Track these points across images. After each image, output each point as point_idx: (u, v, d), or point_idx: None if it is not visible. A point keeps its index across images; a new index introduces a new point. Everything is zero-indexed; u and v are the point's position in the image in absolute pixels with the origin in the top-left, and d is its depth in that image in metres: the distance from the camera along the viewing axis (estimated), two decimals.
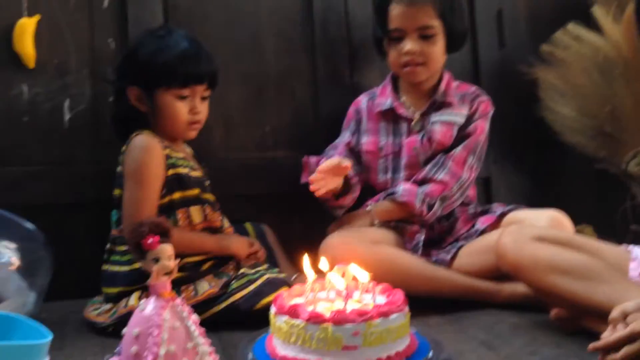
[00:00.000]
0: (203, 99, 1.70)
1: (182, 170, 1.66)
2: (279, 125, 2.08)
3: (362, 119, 1.94)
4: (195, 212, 1.67)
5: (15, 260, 1.54)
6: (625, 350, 1.08)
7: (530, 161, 2.27)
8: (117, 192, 1.65)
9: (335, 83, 2.10)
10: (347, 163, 1.68)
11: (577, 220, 1.80)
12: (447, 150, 1.85)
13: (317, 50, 2.09)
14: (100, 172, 1.88)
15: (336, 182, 1.73)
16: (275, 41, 2.08)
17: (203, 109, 1.70)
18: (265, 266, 1.69)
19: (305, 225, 2.00)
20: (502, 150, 2.20)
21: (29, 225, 1.61)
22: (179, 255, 1.22)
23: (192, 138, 1.74)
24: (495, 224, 1.80)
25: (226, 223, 1.77)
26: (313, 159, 1.89)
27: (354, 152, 1.92)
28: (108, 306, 1.56)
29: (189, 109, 1.66)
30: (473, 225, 1.84)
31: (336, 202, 1.81)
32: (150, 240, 1.02)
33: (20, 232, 1.59)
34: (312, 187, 1.67)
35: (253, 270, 1.61)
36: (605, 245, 1.44)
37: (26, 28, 1.82)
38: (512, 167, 2.25)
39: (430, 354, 1.22)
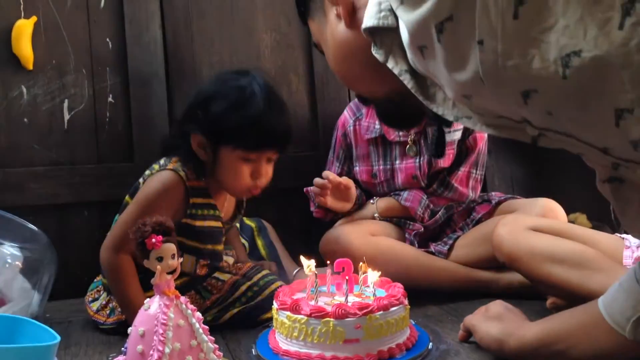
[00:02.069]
0: (269, 160, 1.53)
1: (198, 224, 1.52)
2: None
3: (351, 144, 1.91)
4: (186, 261, 1.51)
5: (19, 261, 1.55)
6: None
7: (524, 150, 2.28)
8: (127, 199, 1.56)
9: (331, 78, 2.11)
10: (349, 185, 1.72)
11: (572, 208, 1.81)
12: (449, 168, 1.85)
13: (312, 45, 2.10)
14: (101, 171, 1.90)
15: (342, 206, 1.79)
16: (271, 37, 2.09)
17: (268, 172, 1.53)
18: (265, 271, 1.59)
19: (304, 221, 2.01)
20: (496, 141, 2.21)
21: (32, 226, 1.62)
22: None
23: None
24: (490, 212, 1.83)
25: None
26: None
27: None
28: (105, 299, 1.54)
29: (252, 171, 1.49)
30: (469, 215, 1.87)
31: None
32: (153, 240, 1.03)
33: (24, 233, 1.60)
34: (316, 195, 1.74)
35: (258, 277, 1.54)
36: (599, 233, 1.45)
37: (23, 30, 1.82)
38: (507, 157, 2.26)
39: (430, 345, 1.24)
